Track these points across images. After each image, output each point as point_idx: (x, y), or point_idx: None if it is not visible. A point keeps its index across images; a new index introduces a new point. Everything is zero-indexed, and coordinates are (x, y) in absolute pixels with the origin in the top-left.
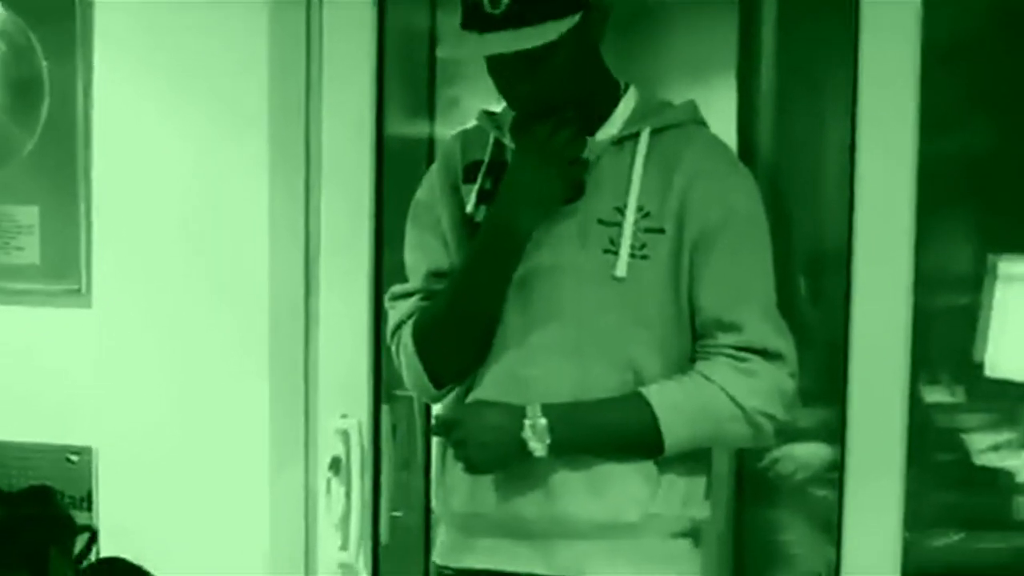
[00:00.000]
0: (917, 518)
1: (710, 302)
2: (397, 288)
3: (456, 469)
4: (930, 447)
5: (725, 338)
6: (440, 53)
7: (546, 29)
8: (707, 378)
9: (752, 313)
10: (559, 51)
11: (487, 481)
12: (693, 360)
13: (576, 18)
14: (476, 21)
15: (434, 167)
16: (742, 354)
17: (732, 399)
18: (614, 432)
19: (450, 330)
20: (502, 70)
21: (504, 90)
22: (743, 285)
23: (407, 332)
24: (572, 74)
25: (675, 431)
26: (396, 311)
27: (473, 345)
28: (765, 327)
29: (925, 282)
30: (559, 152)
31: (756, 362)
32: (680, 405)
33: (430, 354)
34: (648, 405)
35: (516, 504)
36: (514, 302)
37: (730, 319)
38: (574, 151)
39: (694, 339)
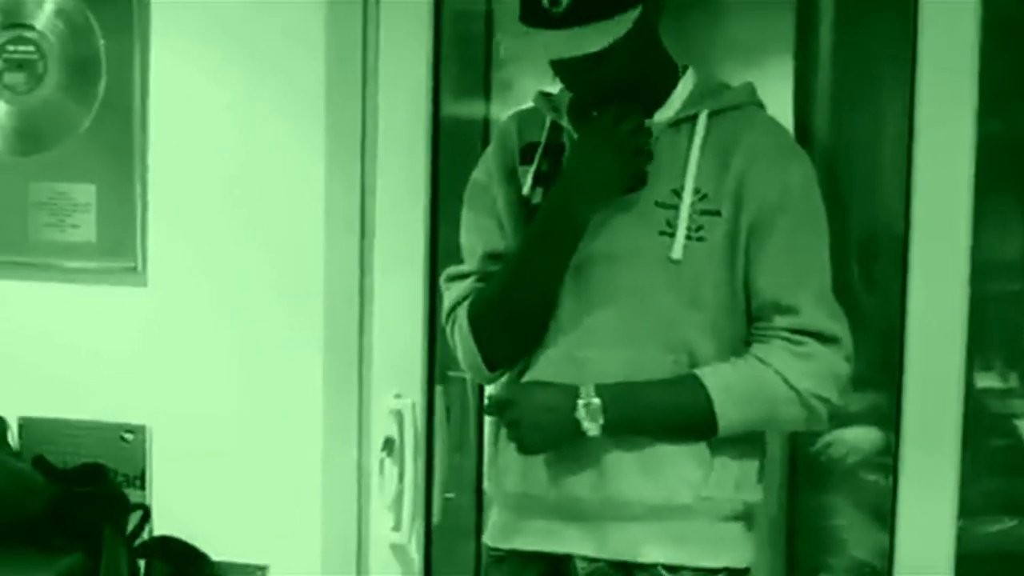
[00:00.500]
0: (970, 504)
1: (767, 285)
2: (452, 269)
3: (509, 450)
4: (983, 433)
5: (781, 321)
6: (502, 53)
7: (608, 27)
8: (762, 361)
9: (808, 296)
10: (621, 44)
11: (539, 462)
12: (748, 343)
13: (637, 11)
14: (535, 17)
15: (490, 148)
16: (797, 337)
17: (787, 381)
18: (668, 413)
19: (506, 312)
20: (563, 62)
21: (565, 79)
22: (800, 268)
23: (462, 313)
24: (633, 63)
25: (729, 413)
26: (451, 292)
27: (528, 327)
28: (821, 310)
29: (980, 267)
30: (623, 142)
31: (811, 345)
32: (734, 387)
33: (485, 336)
34: (703, 386)
35: (569, 485)
36: (569, 284)
37: (787, 302)
38: (638, 141)
39: (749, 322)
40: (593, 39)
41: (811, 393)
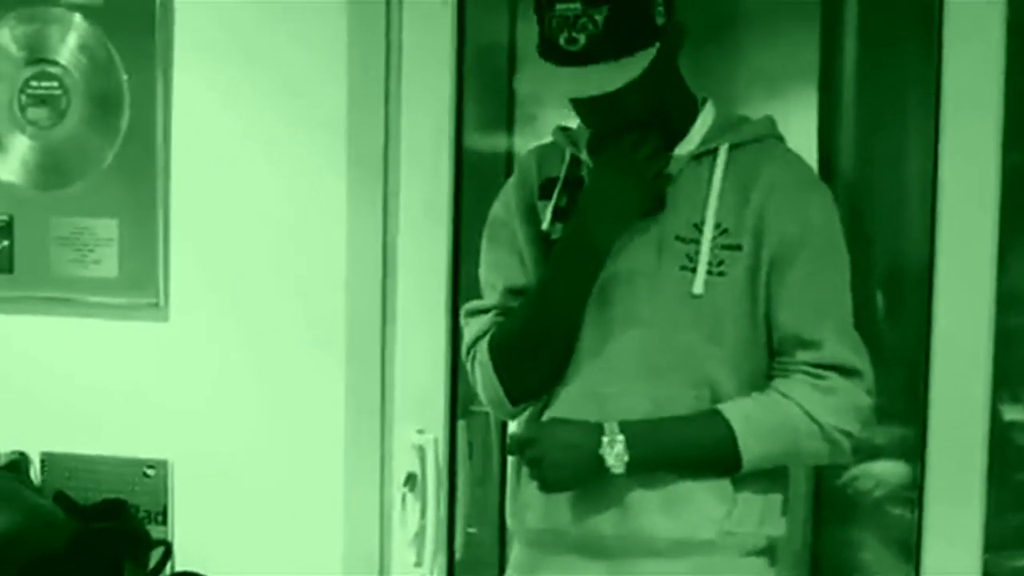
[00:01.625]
0: (996, 538)
1: (788, 319)
2: (472, 304)
3: (531, 486)
4: (1009, 466)
5: (803, 355)
6: (517, 86)
7: (625, 66)
8: (784, 395)
9: (830, 330)
10: (638, 82)
11: (562, 498)
12: (770, 377)
13: (654, 49)
14: (554, 54)
15: (509, 183)
16: (819, 371)
17: (809, 416)
18: (692, 449)
19: (528, 346)
20: (582, 99)
21: (584, 116)
22: (821, 302)
23: (483, 348)
24: (652, 99)
25: (752, 448)
26: (471, 327)
27: (551, 361)
28: (843, 344)
29: (1006, 299)
30: (641, 165)
31: (834, 379)
32: (758, 422)
33: (507, 370)
34: (726, 422)
35: (591, 521)
36: (590, 320)
37: (809, 336)
38: (657, 165)
39: (770, 356)
40: (610, 78)
41: (833, 427)
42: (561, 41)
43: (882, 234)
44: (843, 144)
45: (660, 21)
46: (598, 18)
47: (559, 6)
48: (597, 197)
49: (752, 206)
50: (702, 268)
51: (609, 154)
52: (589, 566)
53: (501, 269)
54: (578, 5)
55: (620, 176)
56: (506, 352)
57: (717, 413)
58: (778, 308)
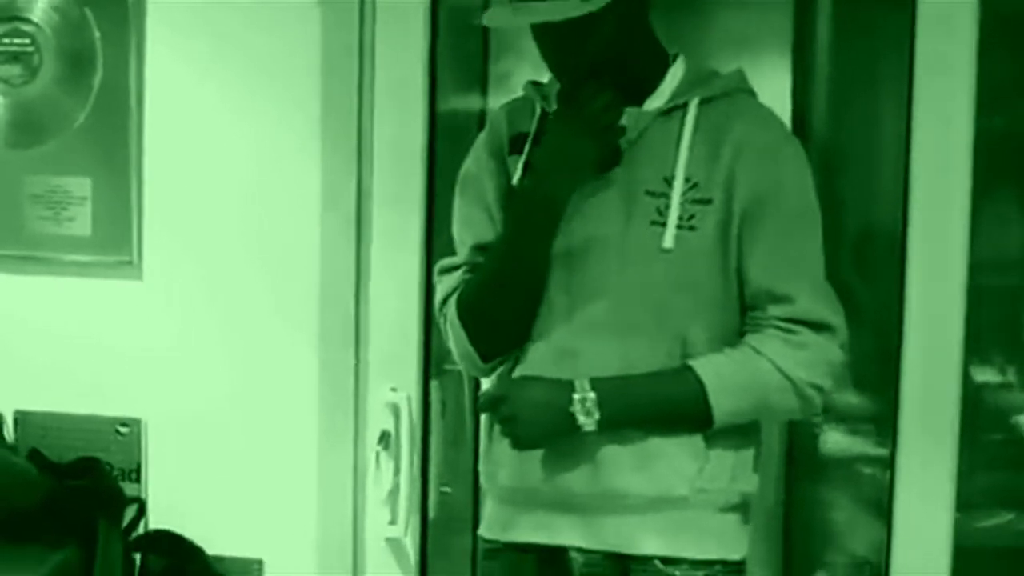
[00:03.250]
0: (968, 498)
1: (760, 274)
2: (445, 261)
3: (503, 443)
4: (981, 427)
5: (775, 310)
6: (484, 21)
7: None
8: (756, 350)
9: (802, 285)
10: (606, 19)
11: (534, 456)
12: (742, 333)
13: None
14: None
15: (480, 138)
16: (791, 326)
17: (781, 371)
18: (663, 405)
19: (493, 302)
20: (548, 39)
21: (550, 59)
22: (793, 257)
23: (452, 305)
24: (619, 42)
25: (724, 403)
26: (443, 284)
27: (517, 317)
28: (815, 298)
29: (978, 262)
30: (594, 119)
31: (806, 334)
32: (729, 377)
33: (475, 327)
34: (697, 377)
35: (563, 478)
36: (559, 276)
37: (781, 291)
38: (609, 118)
39: (742, 311)
40: (574, 5)
41: (805, 382)
42: None
43: (855, 197)
44: (816, 106)
45: None
46: None
47: None
48: (550, 151)
49: (723, 161)
50: (672, 222)
51: (561, 108)
52: (562, 523)
53: (471, 225)
54: None
55: (571, 129)
56: (474, 309)
57: (688, 369)
58: (750, 263)
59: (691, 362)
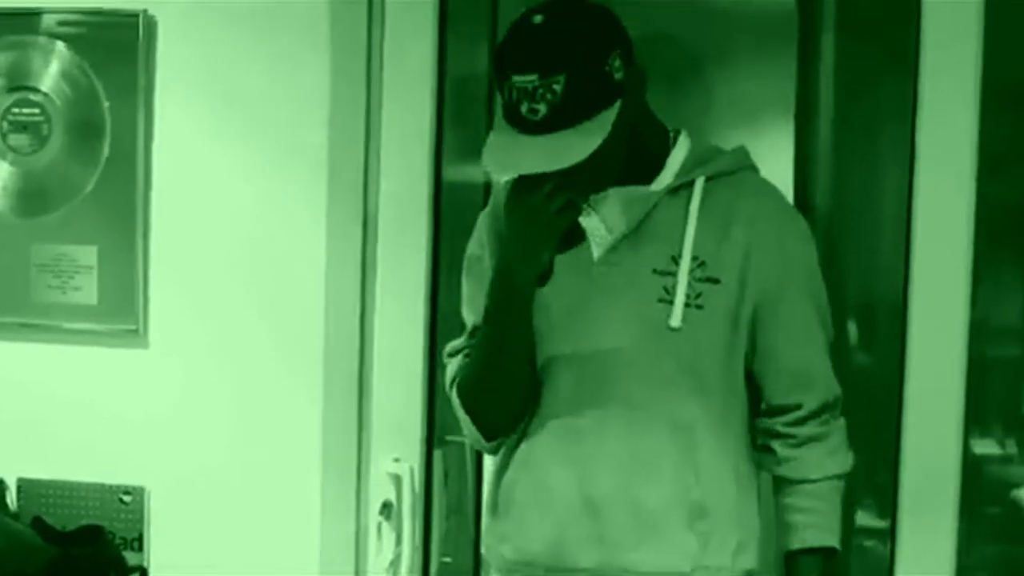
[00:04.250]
0: (967, 571)
1: (787, 359)
2: (450, 345)
3: (508, 517)
4: (981, 499)
5: (809, 401)
6: (483, 163)
7: (590, 129)
8: (815, 480)
9: (824, 364)
10: (606, 140)
11: (538, 530)
12: (774, 433)
13: (616, 106)
14: (517, 120)
15: (481, 218)
16: (820, 429)
17: (838, 477)
18: None
19: (484, 386)
20: None
21: None
22: (813, 337)
23: (454, 391)
24: (622, 146)
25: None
26: (450, 367)
27: (510, 398)
28: (830, 372)
29: (979, 332)
30: (541, 206)
31: (830, 424)
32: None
33: (474, 410)
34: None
35: (567, 553)
36: (567, 352)
37: (808, 375)
38: (557, 202)
39: (748, 386)
40: (574, 147)
41: (847, 471)
42: (523, 111)
43: (856, 267)
44: (819, 176)
45: (619, 76)
46: (556, 88)
47: (516, 78)
48: (507, 242)
49: (733, 241)
50: (679, 300)
51: (510, 201)
52: None
53: (473, 307)
54: (535, 76)
55: (521, 220)
56: (469, 393)
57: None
58: (772, 346)
59: (809, 544)
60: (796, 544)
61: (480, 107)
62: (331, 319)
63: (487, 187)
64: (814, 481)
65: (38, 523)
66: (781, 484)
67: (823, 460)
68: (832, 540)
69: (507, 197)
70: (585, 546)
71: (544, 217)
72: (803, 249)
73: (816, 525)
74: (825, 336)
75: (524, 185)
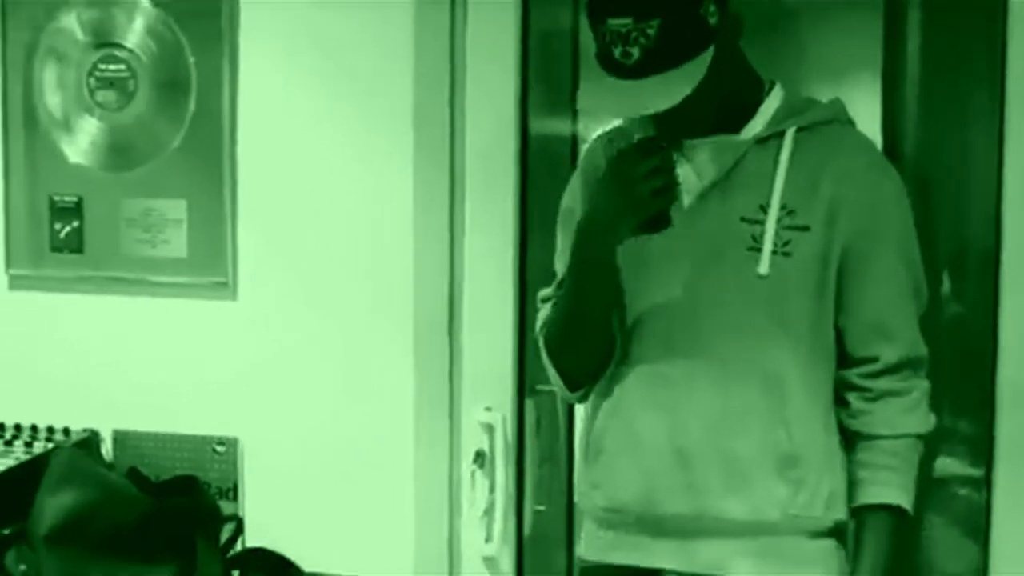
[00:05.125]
0: None
1: (871, 309)
2: (542, 293)
3: (600, 464)
4: None
5: (887, 353)
6: (579, 104)
7: (684, 73)
8: (893, 436)
9: (909, 318)
10: (700, 84)
11: (631, 478)
12: (846, 383)
13: (709, 52)
14: (611, 67)
15: (576, 172)
16: (901, 384)
17: (919, 436)
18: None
19: (566, 336)
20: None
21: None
22: (901, 291)
23: (542, 338)
24: (716, 90)
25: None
26: (541, 313)
27: (589, 351)
28: (916, 330)
29: None
30: (639, 184)
31: (912, 381)
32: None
33: (558, 359)
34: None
35: (659, 501)
36: (654, 301)
37: (891, 328)
38: (656, 182)
39: (836, 339)
40: (666, 92)
41: (922, 434)
42: (616, 55)
43: (948, 218)
44: (907, 129)
45: (713, 21)
46: (650, 31)
47: (611, 21)
48: (595, 208)
49: (822, 192)
50: (767, 248)
51: (607, 171)
52: (658, 546)
53: (563, 257)
54: (629, 20)
55: (613, 194)
56: (551, 344)
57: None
58: (856, 297)
59: (874, 500)
60: (862, 499)
61: (565, 62)
62: (421, 269)
63: (574, 139)
64: (887, 437)
65: (133, 474)
66: (854, 439)
67: (897, 417)
68: (901, 499)
69: (607, 162)
70: (675, 494)
71: (638, 194)
72: (895, 206)
73: (885, 482)
74: (913, 294)
75: (627, 156)
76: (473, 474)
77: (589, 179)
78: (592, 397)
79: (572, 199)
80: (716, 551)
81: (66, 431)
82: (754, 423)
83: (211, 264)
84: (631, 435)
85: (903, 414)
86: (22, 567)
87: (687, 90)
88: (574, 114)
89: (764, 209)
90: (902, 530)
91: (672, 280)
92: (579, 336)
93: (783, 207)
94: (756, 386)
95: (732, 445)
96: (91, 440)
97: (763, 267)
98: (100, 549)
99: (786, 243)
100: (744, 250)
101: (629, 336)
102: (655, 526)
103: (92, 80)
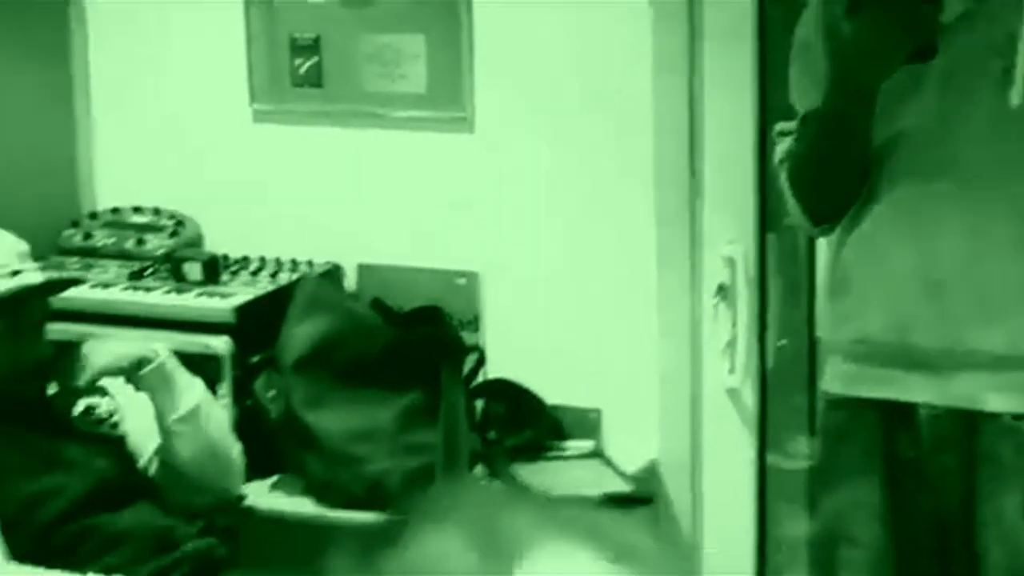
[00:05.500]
0: None
1: None
2: (779, 126)
3: (849, 298)
4: None
5: None
6: None
7: None
8: None
9: None
10: None
11: (879, 309)
12: None
13: None
14: None
15: (814, 3)
16: None
17: None
18: None
19: (815, 177)
20: None
21: None
22: None
23: (783, 172)
24: None
25: None
26: (778, 149)
27: (841, 190)
28: None
29: None
30: (911, 10)
31: None
32: None
33: (802, 194)
34: None
35: (910, 334)
36: (903, 129)
37: None
38: (926, 12)
39: None
40: None
41: None
42: None
43: None
44: None
45: None
46: None
47: None
48: (858, 38)
49: None
50: (1020, 77)
51: None
52: (909, 379)
53: (801, 94)
54: None
55: (885, 20)
56: (798, 182)
57: None
58: None
59: None
60: None
61: None
62: (660, 104)
63: None
64: None
65: (378, 304)
66: None
67: None
68: None
69: None
70: (928, 325)
71: (919, 18)
72: None
73: None
74: None
75: None
76: (716, 307)
77: (829, 12)
78: (837, 231)
79: (807, 32)
80: (970, 384)
81: (309, 263)
82: (1007, 253)
83: (449, 99)
84: (880, 266)
85: None
86: (271, 393)
87: None
88: None
89: (1015, 39)
90: None
91: (920, 109)
92: (832, 171)
93: None
94: (1009, 217)
95: (985, 275)
96: (334, 272)
97: (1016, 96)
98: (346, 376)
99: None
100: (995, 80)
101: (876, 166)
102: (905, 358)
103: None
